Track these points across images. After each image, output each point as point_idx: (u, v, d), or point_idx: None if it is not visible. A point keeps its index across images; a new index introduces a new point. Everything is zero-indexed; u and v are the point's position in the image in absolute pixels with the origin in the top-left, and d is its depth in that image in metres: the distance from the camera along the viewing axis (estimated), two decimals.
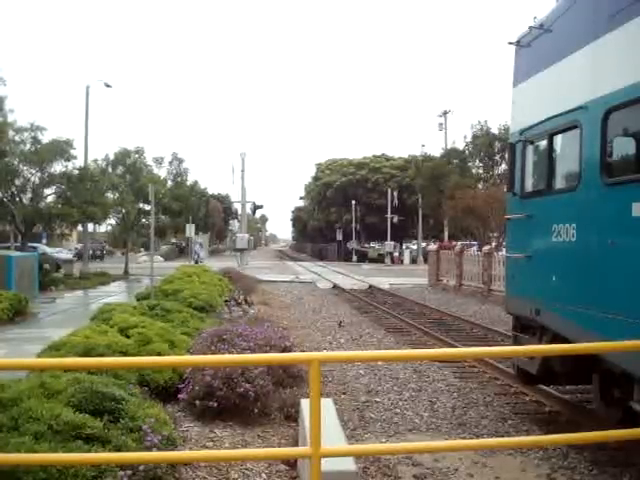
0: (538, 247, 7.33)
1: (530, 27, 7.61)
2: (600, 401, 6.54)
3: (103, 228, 58.29)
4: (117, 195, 33.78)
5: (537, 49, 7.60)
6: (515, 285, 8.24)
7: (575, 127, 6.42)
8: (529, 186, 7.77)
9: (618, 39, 5.74)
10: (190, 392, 6.99)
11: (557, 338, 6.79)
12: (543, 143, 7.34)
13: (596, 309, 5.90)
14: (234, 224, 70.90)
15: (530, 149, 7.71)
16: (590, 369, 6.45)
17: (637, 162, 5.70)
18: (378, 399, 8.62)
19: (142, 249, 58.78)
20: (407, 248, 60.73)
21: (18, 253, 21.56)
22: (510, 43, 8.19)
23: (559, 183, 7.10)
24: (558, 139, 7.11)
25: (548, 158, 7.18)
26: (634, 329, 5.09)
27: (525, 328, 7.84)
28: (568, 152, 6.82)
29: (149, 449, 4.76)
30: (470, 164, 39.25)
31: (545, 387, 8.48)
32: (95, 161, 33.32)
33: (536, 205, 7.41)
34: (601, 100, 5.88)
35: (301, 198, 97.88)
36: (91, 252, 51.74)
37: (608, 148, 5.85)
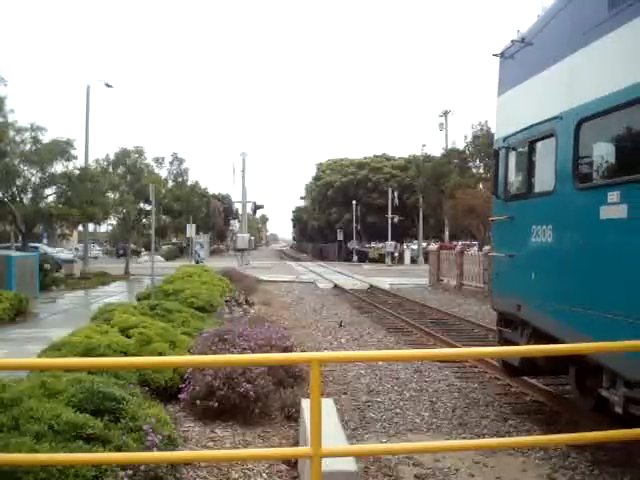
0: (519, 247, 7.77)
1: (512, 40, 8.09)
2: (576, 390, 7.10)
3: (104, 228, 58.45)
4: (118, 195, 33.78)
5: (519, 61, 8.07)
6: (499, 283, 8.76)
7: (552, 135, 6.85)
8: (511, 190, 8.27)
9: (590, 55, 6.16)
10: (191, 392, 6.99)
11: (536, 332, 7.32)
12: (524, 150, 7.77)
13: (569, 304, 6.37)
14: (235, 224, 71.00)
15: (512, 155, 8.17)
16: (567, 362, 6.99)
17: (604, 169, 6.19)
18: (379, 399, 8.62)
19: (143, 249, 58.77)
20: (409, 248, 60.66)
21: (19, 253, 21.58)
22: (494, 55, 8.69)
23: (538, 187, 7.50)
24: (537, 146, 7.50)
25: (528, 164, 7.64)
26: (600, 321, 5.70)
27: (508, 323, 8.34)
28: (546, 159, 7.18)
29: (150, 449, 4.76)
30: (470, 164, 39.27)
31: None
32: (96, 161, 33.37)
33: (518, 208, 7.90)
34: (574, 111, 6.33)
35: (302, 198, 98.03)
36: (121, 251, 52.22)
37: (580, 156, 6.29)
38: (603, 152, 6.28)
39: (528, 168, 7.66)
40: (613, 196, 5.57)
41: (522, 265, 7.69)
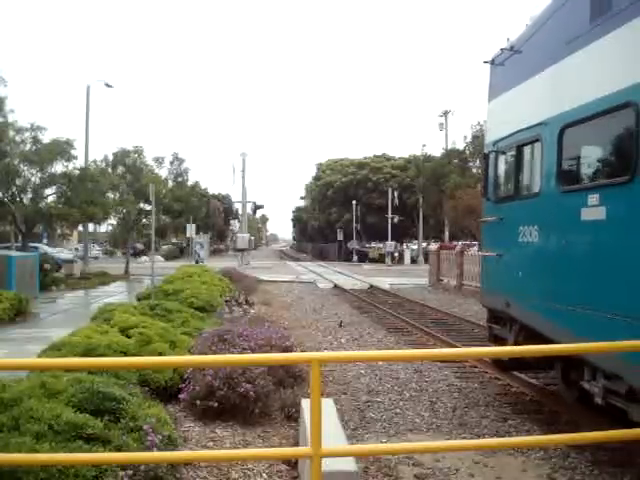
0: (507, 247, 8.17)
1: (502, 49, 8.51)
2: (562, 383, 7.40)
3: (104, 228, 58.41)
4: (117, 195, 33.77)
5: (508, 68, 8.44)
6: (489, 281, 9.27)
7: (538, 140, 7.23)
8: (501, 192, 8.66)
9: (572, 64, 6.51)
10: (191, 392, 6.99)
11: (524, 328, 7.73)
12: (512, 154, 8.15)
13: (553, 302, 6.72)
14: (235, 224, 70.93)
15: (502, 159, 8.60)
16: (554, 358, 7.25)
17: (585, 173, 6.58)
18: (379, 399, 8.62)
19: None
20: (409, 248, 60.63)
21: (19, 253, 21.57)
22: (485, 62, 9.09)
23: (525, 190, 7.92)
24: (524, 150, 7.87)
25: (516, 167, 8.01)
26: (582, 317, 6.06)
27: (498, 320, 8.76)
28: (532, 162, 7.60)
29: (150, 449, 4.76)
30: (470, 164, 39.26)
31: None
32: (95, 162, 33.33)
33: (506, 209, 8.28)
34: (558, 118, 6.68)
35: (302, 198, 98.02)
36: (131, 251, 52.66)
37: (563, 160, 6.62)
38: (584, 157, 6.66)
39: (516, 171, 8.01)
40: (593, 199, 5.85)
41: (510, 264, 8.08)
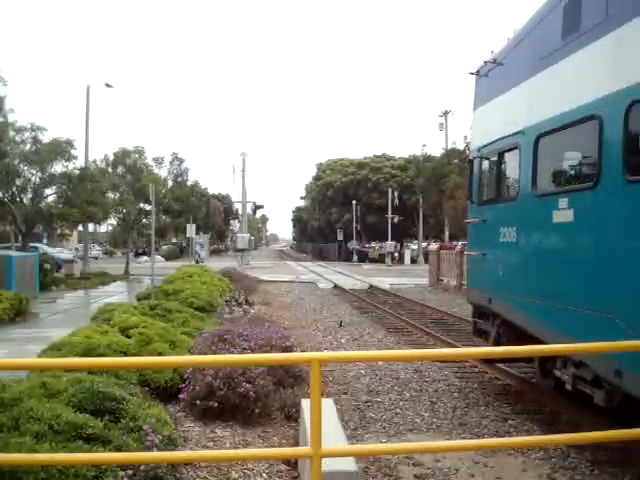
0: (490, 246, 8.71)
1: (485, 61, 9.09)
2: (539, 373, 8.03)
3: (104, 228, 58.44)
4: (117, 195, 33.78)
5: (491, 80, 8.98)
6: (473, 279, 9.92)
7: (516, 148, 7.74)
8: (484, 195, 9.22)
9: (545, 78, 7.03)
10: (191, 392, 6.99)
11: (505, 322, 8.26)
12: (494, 160, 8.71)
13: (528, 296, 7.25)
14: (235, 224, 70.91)
15: (485, 164, 9.13)
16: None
17: (556, 179, 7.06)
18: (379, 399, 8.62)
19: (142, 248, 58.62)
20: (409, 248, 60.59)
21: (19, 253, 21.57)
22: (471, 73, 9.67)
23: (505, 193, 8.49)
24: (505, 157, 8.41)
25: (497, 172, 8.60)
26: (556, 311, 6.51)
27: (481, 315, 9.37)
28: (511, 168, 8.17)
29: (150, 449, 4.75)
30: None
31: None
32: (94, 161, 33.32)
33: (489, 211, 8.85)
34: (533, 127, 7.19)
35: (302, 198, 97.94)
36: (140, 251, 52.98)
37: (538, 166, 7.11)
38: (555, 164, 7.14)
39: (497, 176, 8.57)
40: (563, 202, 6.34)
41: (492, 262, 8.66)
